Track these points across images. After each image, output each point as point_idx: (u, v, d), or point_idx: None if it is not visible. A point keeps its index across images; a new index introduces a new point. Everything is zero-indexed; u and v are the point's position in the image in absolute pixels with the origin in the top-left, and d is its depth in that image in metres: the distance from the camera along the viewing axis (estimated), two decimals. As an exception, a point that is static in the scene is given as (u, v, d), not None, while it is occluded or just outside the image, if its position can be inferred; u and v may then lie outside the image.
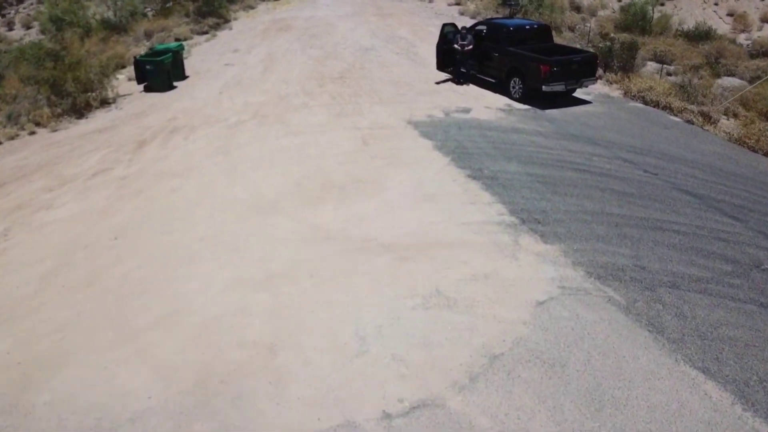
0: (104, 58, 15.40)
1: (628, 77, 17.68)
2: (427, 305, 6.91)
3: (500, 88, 16.06)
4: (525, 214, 9.30)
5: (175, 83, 15.89)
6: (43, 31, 28.76)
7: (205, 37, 21.29)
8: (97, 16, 25.39)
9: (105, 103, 14.33)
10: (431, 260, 7.92)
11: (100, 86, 14.19)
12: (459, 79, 16.92)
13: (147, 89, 15.33)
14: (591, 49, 18.02)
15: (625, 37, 22.24)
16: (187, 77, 16.66)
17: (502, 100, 15.56)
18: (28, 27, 35.52)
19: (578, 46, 18.81)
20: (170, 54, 15.50)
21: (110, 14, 25.46)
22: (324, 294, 7.09)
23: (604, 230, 8.89)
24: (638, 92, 15.94)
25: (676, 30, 28.70)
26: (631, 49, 19.58)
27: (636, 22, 28.31)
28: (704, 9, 35.36)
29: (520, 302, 7.03)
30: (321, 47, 20.12)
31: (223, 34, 21.63)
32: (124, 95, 15.18)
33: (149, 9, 29.00)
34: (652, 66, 21.31)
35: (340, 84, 16.33)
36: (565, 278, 7.60)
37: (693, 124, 14.22)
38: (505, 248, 8.29)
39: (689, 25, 29.05)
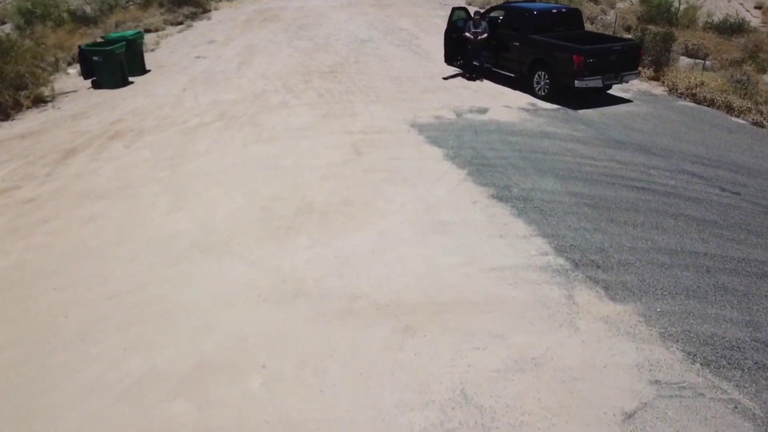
0: (43, 50, 12.77)
1: (664, 72, 15.06)
2: (448, 425, 4.24)
3: (521, 83, 13.41)
4: (576, 254, 6.65)
5: (131, 78, 13.24)
6: (18, 26, 26.22)
7: (179, 28, 18.67)
8: (71, 8, 22.78)
9: (40, 101, 11.67)
10: (449, 333, 5.27)
11: (34, 82, 11.53)
12: (471, 73, 14.27)
13: (96, 85, 12.68)
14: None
15: (656, 28, 19.71)
16: (147, 71, 14.02)
17: (524, 99, 12.90)
18: (2, 22, 32.94)
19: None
20: (123, 43, 12.84)
21: (87, 7, 22.87)
22: (280, 404, 4.42)
23: (692, 279, 6.23)
24: (687, 89, 13.28)
25: (705, 22, 26.13)
26: (666, 40, 16.91)
27: (660, 14, 25.73)
28: (729, 1, 32.73)
29: (595, 416, 4.37)
30: (310, 39, 17.49)
31: (200, 25, 19.01)
32: (67, 92, 12.52)
33: (129, 1, 26.44)
34: (684, 61, 18.73)
35: (329, 79, 13.68)
36: (656, 364, 4.96)
37: (763, 126, 11.55)
38: (556, 310, 5.65)
39: (718, 17, 26.51)
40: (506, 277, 6.16)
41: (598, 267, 6.42)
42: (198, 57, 15.33)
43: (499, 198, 8.06)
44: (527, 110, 12.14)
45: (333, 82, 13.56)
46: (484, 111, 11.99)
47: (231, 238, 6.79)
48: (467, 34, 13.87)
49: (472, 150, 9.83)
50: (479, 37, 13.74)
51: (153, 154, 9.18)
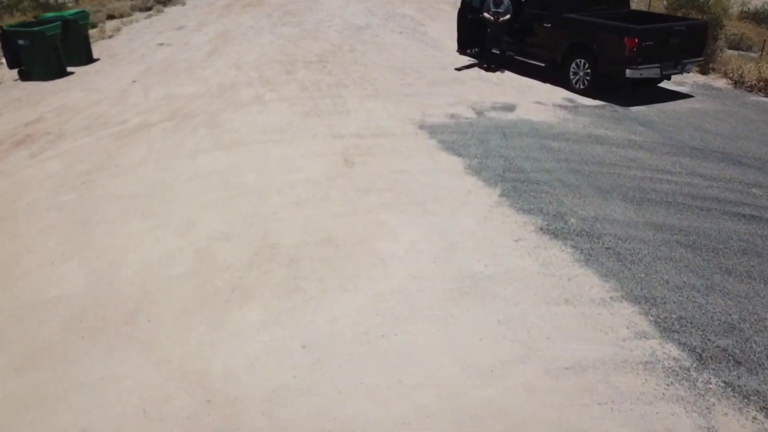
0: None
1: (714, 63, 12.53)
2: None
3: (553, 75, 10.86)
4: (694, 335, 4.13)
5: (71, 69, 10.67)
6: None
7: (147, 13, 16.11)
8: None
9: (-54, 96, 9.12)
10: None
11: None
12: (490, 63, 11.70)
13: (23, 76, 10.12)
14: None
15: (697, 15, 17.22)
16: (95, 61, 11.43)
17: (558, 93, 10.35)
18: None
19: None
20: (58, 23, 10.27)
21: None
22: None
23: None
24: (759, 81, 10.72)
25: (741, 11, 23.58)
26: (713, 28, 14.33)
27: (691, 2, 23.20)
28: (760, -9, 30.18)
29: None
30: (297, 25, 14.93)
31: (172, 11, 16.47)
32: (-13, 85, 9.97)
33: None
34: (727, 52, 16.23)
35: (317, 70, 11.12)
36: None
37: None
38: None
39: (754, 5, 23.99)
40: (592, 389, 3.61)
41: (738, 363, 3.87)
42: (161, 44, 12.77)
43: (553, 233, 5.51)
44: (565, 107, 9.58)
45: (321, 73, 10.99)
46: (511, 108, 9.43)
47: (138, 310, 4.22)
48: (486, 15, 11.29)
49: (502, 160, 7.29)
50: (500, 19, 11.17)
51: (64, 166, 6.63)
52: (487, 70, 11.72)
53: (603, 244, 5.35)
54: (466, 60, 12.35)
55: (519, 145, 7.83)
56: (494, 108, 9.43)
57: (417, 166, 7.08)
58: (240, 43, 12.86)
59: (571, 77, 10.39)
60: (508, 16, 11.19)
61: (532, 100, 9.95)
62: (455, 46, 13.41)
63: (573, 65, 10.31)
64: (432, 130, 8.33)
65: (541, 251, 5.21)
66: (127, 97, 9.31)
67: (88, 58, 11.31)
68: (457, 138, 8.05)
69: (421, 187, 6.48)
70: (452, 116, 8.97)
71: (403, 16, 16.85)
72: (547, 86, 10.76)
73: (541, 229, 5.62)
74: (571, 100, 9.99)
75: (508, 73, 11.58)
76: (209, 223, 5.41)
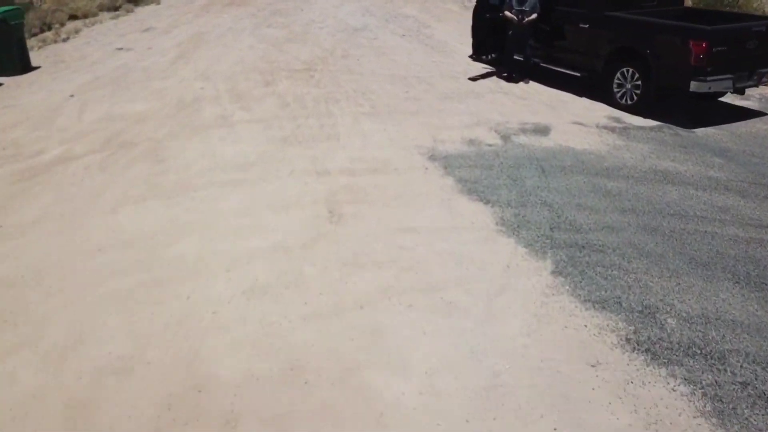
0: None
1: None
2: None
3: (590, 86, 8.86)
4: None
5: (0, 78, 8.64)
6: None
7: (115, 13, 14.09)
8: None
9: None
10: None
11: None
12: (511, 71, 9.70)
13: (-65, 89, 8.10)
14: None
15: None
16: (35, 69, 9.42)
17: (599, 110, 8.35)
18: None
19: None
20: (-23, 22, 8.28)
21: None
22: None
23: None
24: None
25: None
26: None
27: (720, 0, 21.24)
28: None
29: None
30: (284, 26, 12.91)
31: (144, 10, 14.46)
32: None
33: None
34: None
35: (303, 80, 9.12)
36: None
37: None
38: None
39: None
40: None
41: None
42: (120, 49, 10.75)
43: (647, 349, 3.52)
44: (612, 130, 7.58)
45: (308, 84, 8.98)
46: (544, 131, 7.43)
47: None
48: (507, 14, 9.29)
49: (546, 210, 5.29)
50: (526, 19, 9.16)
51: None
52: (508, 80, 9.70)
53: (734, 375, 3.32)
54: (482, 68, 10.35)
55: (564, 186, 5.82)
56: (523, 130, 7.42)
57: (429, 221, 5.08)
58: (214, 48, 10.85)
59: (615, 90, 8.38)
60: (534, 16, 9.18)
61: (568, 119, 7.94)
62: (466, 50, 11.40)
63: (618, 75, 8.30)
64: (447, 163, 6.33)
65: (639, 393, 3.18)
66: (55, 117, 7.29)
67: (23, 66, 9.30)
68: (480, 175, 6.05)
69: (437, 258, 4.47)
70: (471, 142, 6.97)
71: (405, 16, 14.83)
72: (584, 101, 8.75)
73: (628, 340, 3.62)
74: (617, 120, 7.98)
75: (533, 84, 9.56)
76: (103, 343, 3.38)
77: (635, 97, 8.16)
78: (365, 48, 11.52)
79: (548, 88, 9.36)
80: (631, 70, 8.13)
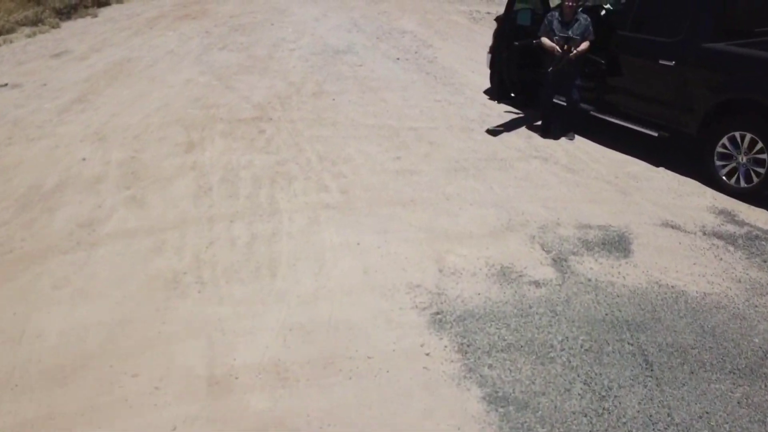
0: None
1: None
2: None
3: (671, 150, 5.92)
4: None
5: None
6: None
7: (36, 29, 11.09)
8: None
9: None
10: None
11: None
12: (548, 123, 6.74)
13: None
14: None
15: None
16: None
17: (694, 193, 5.46)
18: None
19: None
20: None
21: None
22: None
23: None
24: None
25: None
26: None
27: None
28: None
29: None
30: (244, 48, 9.94)
31: (73, 26, 11.48)
32: None
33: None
34: None
35: (246, 140, 6.25)
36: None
37: None
38: None
39: None
40: None
41: None
42: (2, 86, 7.74)
43: None
44: (731, 239, 4.67)
45: (252, 147, 6.05)
46: (621, 244, 4.53)
47: None
48: (546, 41, 6.33)
49: None
50: (574, 50, 6.18)
51: None
52: (545, 134, 6.75)
53: None
54: (504, 111, 7.42)
55: (702, 411, 2.83)
56: (586, 243, 4.48)
57: None
58: (135, 84, 7.88)
59: (720, 164, 5.41)
60: (586, 45, 6.22)
61: (652, 215, 5.00)
62: (479, 81, 8.50)
63: (725, 142, 5.32)
64: (465, 339, 3.50)
65: None
66: None
67: None
68: (533, 380, 3.11)
69: None
70: (504, 276, 4.06)
71: (401, 32, 11.87)
72: (666, 176, 5.80)
73: None
74: (730, 216, 5.06)
75: (581, 142, 6.61)
76: None
77: (754, 178, 5.17)
78: (346, 80, 8.55)
79: (605, 149, 6.40)
80: (748, 135, 5.14)
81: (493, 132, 6.83)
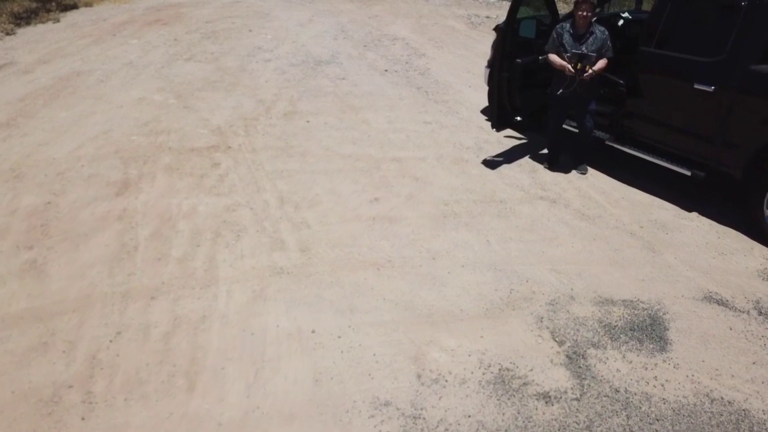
0: None
1: None
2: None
3: (705, 189, 4.86)
4: None
5: None
6: None
7: (-11, 36, 10.05)
8: None
9: None
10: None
11: None
12: (556, 152, 5.67)
13: None
14: None
15: None
16: None
17: (738, 250, 4.45)
18: None
19: None
20: None
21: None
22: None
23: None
24: None
25: None
26: None
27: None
28: None
29: None
30: (213, 59, 8.88)
31: (31, 31, 10.39)
32: None
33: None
34: None
35: (194, 177, 5.28)
36: None
37: None
38: None
39: None
40: None
41: None
42: None
43: None
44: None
45: (199, 186, 5.05)
46: (655, 331, 3.56)
47: None
48: (555, 58, 5.26)
49: None
50: (588, 70, 5.11)
51: None
52: (551, 165, 5.69)
53: None
54: (504, 136, 6.37)
55: None
56: (609, 329, 3.54)
57: None
58: (78, 103, 6.82)
59: (770, 216, 4.35)
60: (603, 63, 5.16)
61: (689, 282, 3.96)
62: (476, 97, 7.54)
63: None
64: None
65: None
66: None
67: None
68: None
69: None
70: (502, 383, 3.12)
71: (392, 38, 10.82)
72: (700, 223, 4.78)
73: None
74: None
75: (594, 176, 5.57)
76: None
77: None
78: (326, 96, 7.52)
79: (625, 188, 5.36)
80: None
81: (491, 163, 5.78)
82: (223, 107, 6.94)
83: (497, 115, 5.68)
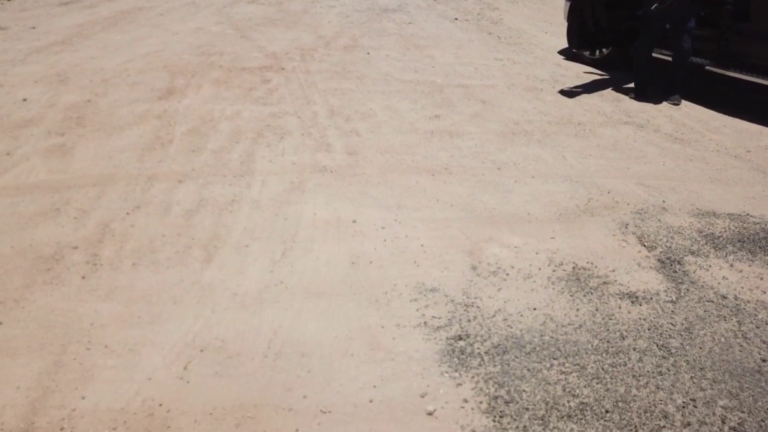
0: None
1: None
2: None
3: None
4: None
5: None
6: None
7: None
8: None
9: None
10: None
11: None
12: (643, 82, 4.95)
13: None
14: None
15: None
16: None
17: None
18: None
19: None
20: None
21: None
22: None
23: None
24: None
25: None
26: None
27: None
28: None
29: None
30: (276, 2, 8.54)
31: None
32: None
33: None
34: None
35: (243, 88, 4.98)
36: None
37: None
38: None
39: None
40: None
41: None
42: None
43: None
44: None
45: (246, 96, 4.75)
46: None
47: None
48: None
49: None
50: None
51: None
52: (638, 96, 4.98)
53: None
54: (582, 72, 5.70)
55: None
56: (712, 238, 2.89)
57: None
58: (134, 30, 6.65)
59: None
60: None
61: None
62: (555, 43, 6.82)
63: None
64: (500, 387, 1.99)
65: None
66: None
67: None
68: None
69: None
70: (576, 280, 2.53)
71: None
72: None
73: None
74: None
75: (689, 108, 4.81)
76: None
77: None
78: (388, 36, 7.05)
79: (726, 117, 4.61)
80: None
81: (569, 93, 5.15)
82: (281, 39, 6.60)
83: (577, 33, 5.03)
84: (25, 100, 4.28)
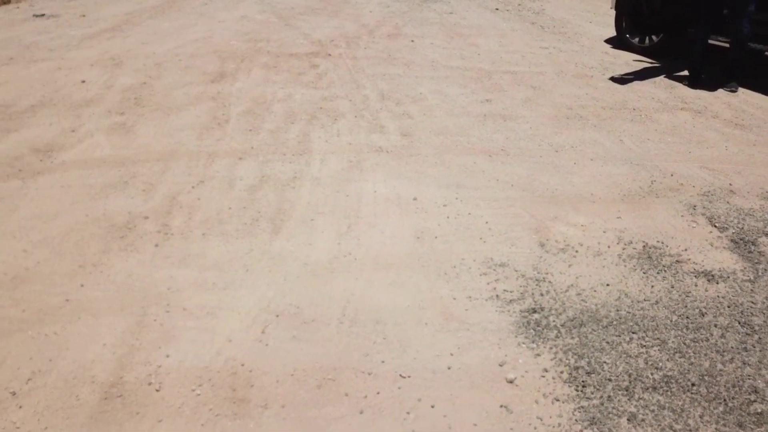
0: None
1: None
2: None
3: None
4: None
5: None
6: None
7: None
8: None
9: None
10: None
11: None
12: (698, 69, 4.85)
13: None
14: None
15: None
16: None
17: None
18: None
19: None
20: None
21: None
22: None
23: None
24: None
25: None
26: None
27: None
28: None
29: None
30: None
31: None
32: None
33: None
34: None
35: (292, 72, 4.98)
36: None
37: None
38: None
39: None
40: None
41: None
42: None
43: None
44: None
45: (296, 80, 4.79)
46: None
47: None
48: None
49: None
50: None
51: None
52: (693, 84, 4.87)
53: None
54: (632, 60, 5.60)
55: None
56: None
57: None
58: (181, 18, 6.75)
59: None
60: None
61: None
62: (597, 31, 6.71)
63: None
64: (579, 358, 1.96)
65: None
66: None
67: None
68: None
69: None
70: (648, 258, 2.46)
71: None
72: None
73: None
74: None
75: (746, 95, 4.69)
76: None
77: None
78: (431, 25, 7.01)
79: (790, 105, 4.45)
80: None
81: (621, 80, 5.06)
82: (325, 27, 6.62)
83: (629, 20, 4.93)
84: (83, 81, 4.36)
